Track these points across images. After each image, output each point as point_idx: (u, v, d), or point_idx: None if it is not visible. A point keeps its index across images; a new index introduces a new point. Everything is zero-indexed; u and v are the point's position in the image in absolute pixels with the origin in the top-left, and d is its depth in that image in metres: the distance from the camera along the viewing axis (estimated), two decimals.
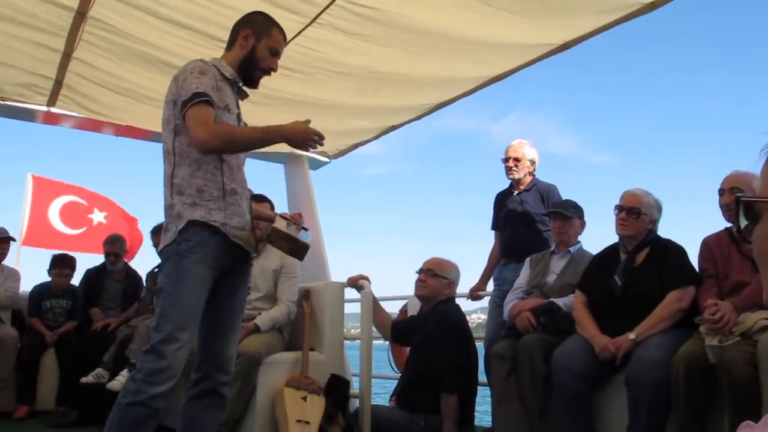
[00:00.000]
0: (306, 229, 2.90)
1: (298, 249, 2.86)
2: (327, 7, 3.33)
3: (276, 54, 2.78)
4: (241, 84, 2.79)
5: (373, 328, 4.23)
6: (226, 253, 2.60)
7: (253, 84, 2.83)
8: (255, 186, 5.57)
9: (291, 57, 3.89)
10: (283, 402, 3.78)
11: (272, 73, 2.83)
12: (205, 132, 2.49)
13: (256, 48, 2.73)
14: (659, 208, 3.44)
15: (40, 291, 5.62)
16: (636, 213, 3.33)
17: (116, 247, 5.77)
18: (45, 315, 5.53)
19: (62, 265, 5.68)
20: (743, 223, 0.85)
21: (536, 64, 4.02)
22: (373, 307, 4.14)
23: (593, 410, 3.15)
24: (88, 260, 6.17)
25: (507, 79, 4.23)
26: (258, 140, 2.64)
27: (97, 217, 7.67)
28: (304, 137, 2.65)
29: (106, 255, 5.77)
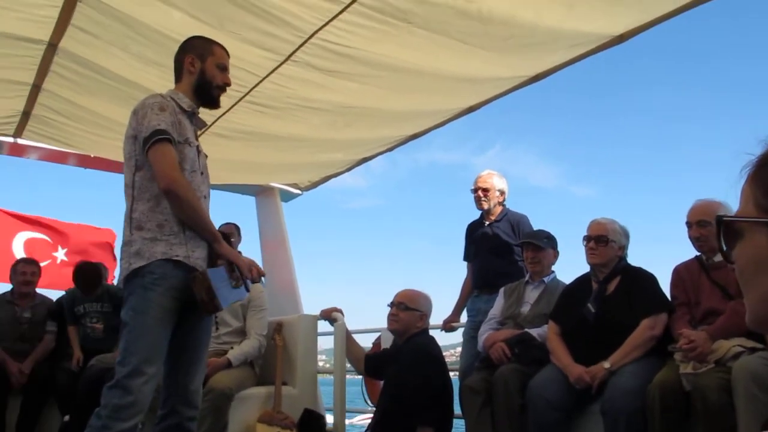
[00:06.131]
0: (252, 281, 2.78)
1: (207, 305, 2.51)
2: (301, 45, 3.36)
3: (224, 69, 2.79)
4: (197, 113, 2.79)
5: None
6: (190, 285, 2.57)
7: (214, 103, 2.83)
8: (226, 218, 5.54)
9: (265, 94, 3.92)
10: None
11: (227, 88, 2.83)
12: (176, 175, 2.51)
13: (204, 70, 2.75)
14: (627, 235, 3.48)
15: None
16: (604, 241, 3.37)
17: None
18: (81, 320, 4.93)
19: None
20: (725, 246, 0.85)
21: (515, 94, 4.09)
22: (347, 340, 4.09)
23: None
24: (51, 296, 5.82)
25: (490, 113, 4.30)
26: (206, 228, 2.63)
27: (60, 255, 7.54)
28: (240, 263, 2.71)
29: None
